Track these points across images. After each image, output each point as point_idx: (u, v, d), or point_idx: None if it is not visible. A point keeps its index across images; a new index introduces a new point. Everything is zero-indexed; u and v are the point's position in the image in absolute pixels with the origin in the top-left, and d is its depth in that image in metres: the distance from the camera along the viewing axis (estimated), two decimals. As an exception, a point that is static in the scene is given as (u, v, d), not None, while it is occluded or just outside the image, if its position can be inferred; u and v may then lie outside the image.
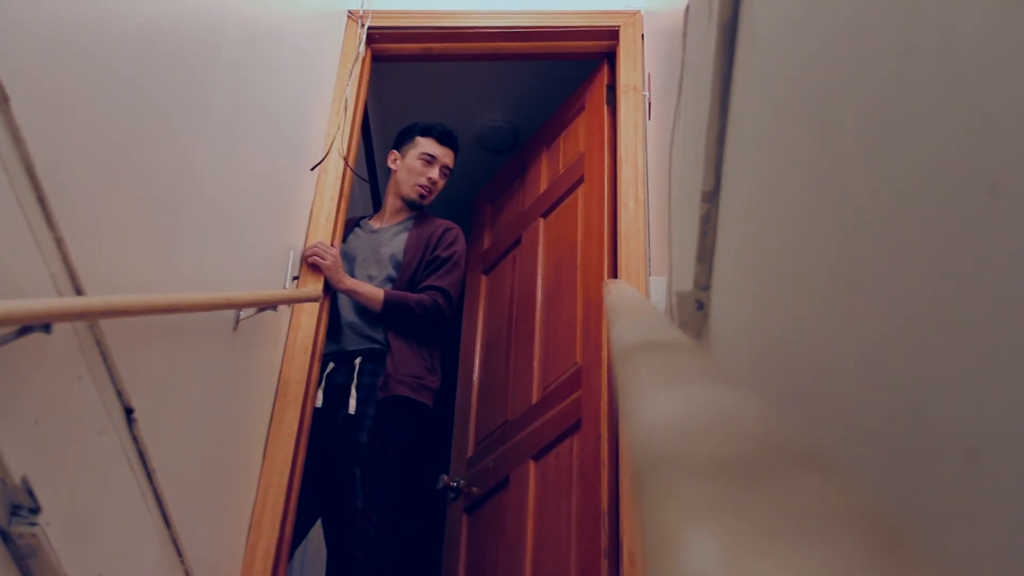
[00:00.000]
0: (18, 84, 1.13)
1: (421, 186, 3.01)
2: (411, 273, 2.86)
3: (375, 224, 3.08)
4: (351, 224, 3.07)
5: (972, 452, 0.41)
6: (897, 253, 0.52)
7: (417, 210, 3.06)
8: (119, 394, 1.43)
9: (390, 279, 2.85)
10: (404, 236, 2.96)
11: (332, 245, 2.72)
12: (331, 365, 2.73)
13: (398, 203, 3.07)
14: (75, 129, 1.33)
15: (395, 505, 2.67)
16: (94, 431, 1.36)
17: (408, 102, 4.07)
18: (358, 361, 2.71)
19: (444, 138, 3.07)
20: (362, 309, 2.78)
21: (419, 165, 3.03)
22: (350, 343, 2.76)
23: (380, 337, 2.76)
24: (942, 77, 0.47)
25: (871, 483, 0.53)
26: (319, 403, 2.62)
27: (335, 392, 2.68)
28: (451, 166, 3.09)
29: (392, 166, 3.12)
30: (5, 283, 1.11)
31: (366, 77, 3.11)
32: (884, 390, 0.53)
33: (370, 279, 2.85)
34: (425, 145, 3.05)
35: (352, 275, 2.82)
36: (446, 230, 2.97)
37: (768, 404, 0.38)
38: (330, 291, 2.72)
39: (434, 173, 3.03)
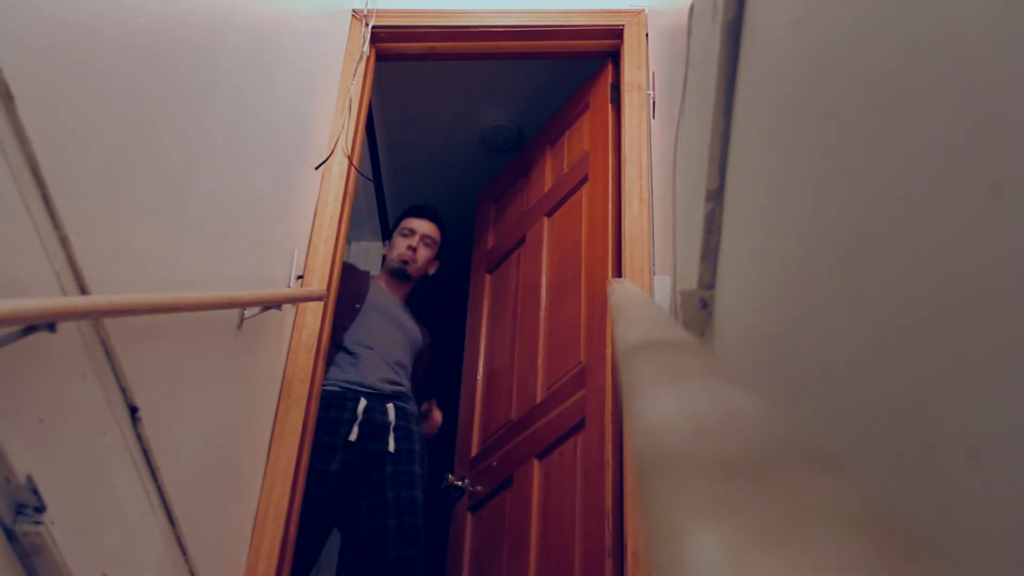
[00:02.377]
0: (23, 83, 1.13)
1: (401, 255, 3.28)
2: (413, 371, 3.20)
3: (383, 285, 3.32)
4: (353, 269, 3.25)
5: (974, 451, 0.41)
6: (901, 252, 0.52)
7: (405, 280, 3.30)
8: (124, 393, 1.43)
9: (401, 364, 3.09)
10: (415, 328, 3.23)
11: (336, 245, 2.76)
12: (363, 402, 2.89)
13: (390, 278, 3.34)
14: (79, 128, 1.33)
15: None
16: (99, 430, 1.36)
17: (412, 101, 4.08)
18: (390, 407, 2.93)
19: (419, 211, 3.40)
20: (397, 361, 3.05)
21: (400, 239, 3.33)
22: (384, 385, 2.98)
23: (404, 389, 3.04)
24: (946, 76, 0.47)
25: (875, 482, 0.53)
26: (353, 437, 2.81)
27: (373, 427, 2.87)
28: (433, 236, 3.35)
29: (384, 252, 3.44)
30: (10, 282, 1.11)
31: (370, 76, 3.11)
32: (887, 389, 0.53)
33: (392, 363, 3.07)
34: (405, 222, 3.38)
35: (375, 328, 3.08)
36: (428, 344, 3.32)
37: (772, 403, 0.38)
38: (348, 318, 3.00)
39: (413, 241, 3.30)
